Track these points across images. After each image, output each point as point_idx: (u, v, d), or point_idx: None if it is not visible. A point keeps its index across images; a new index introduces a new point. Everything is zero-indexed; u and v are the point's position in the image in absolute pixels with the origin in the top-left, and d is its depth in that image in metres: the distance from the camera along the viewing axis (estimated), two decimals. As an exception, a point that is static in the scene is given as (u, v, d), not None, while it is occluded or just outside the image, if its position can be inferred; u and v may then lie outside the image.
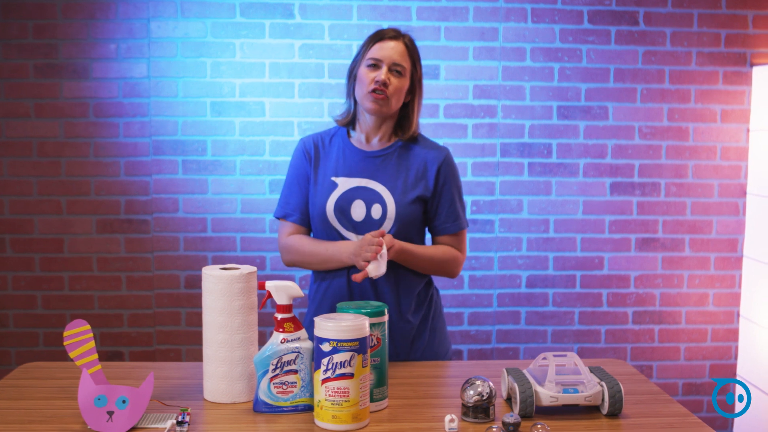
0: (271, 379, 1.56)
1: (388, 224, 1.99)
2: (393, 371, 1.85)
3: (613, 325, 3.39)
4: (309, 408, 1.58)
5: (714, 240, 3.38)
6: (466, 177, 3.29)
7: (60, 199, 3.23)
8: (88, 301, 3.27)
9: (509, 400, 1.64)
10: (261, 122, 3.24)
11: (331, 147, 2.09)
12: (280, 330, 1.57)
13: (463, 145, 3.29)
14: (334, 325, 1.46)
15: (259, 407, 1.57)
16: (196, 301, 3.27)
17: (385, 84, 1.97)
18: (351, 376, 1.47)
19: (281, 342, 1.56)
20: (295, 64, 3.23)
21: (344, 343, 1.46)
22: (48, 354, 3.27)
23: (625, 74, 3.32)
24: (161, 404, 1.60)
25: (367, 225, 1.99)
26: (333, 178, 2.04)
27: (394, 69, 1.99)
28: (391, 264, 1.95)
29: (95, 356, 1.50)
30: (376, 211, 2.00)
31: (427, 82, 3.14)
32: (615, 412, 1.56)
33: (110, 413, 1.47)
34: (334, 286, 2.03)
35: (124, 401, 1.47)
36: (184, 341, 3.30)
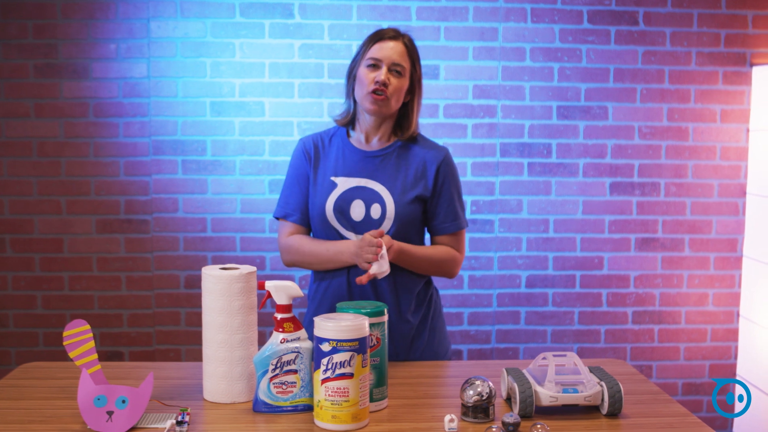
0: (271, 379, 1.56)
1: (387, 224, 1.99)
2: (393, 371, 1.85)
3: (612, 325, 3.39)
4: (309, 408, 1.58)
5: (714, 240, 3.38)
6: (466, 177, 3.29)
7: (60, 199, 3.23)
8: (88, 301, 3.27)
9: (509, 400, 1.64)
10: (261, 122, 3.24)
11: (331, 147, 2.09)
12: (280, 330, 1.57)
13: (463, 145, 3.29)
14: (333, 325, 1.46)
15: (259, 407, 1.57)
16: (195, 301, 3.27)
17: (384, 84, 1.97)
18: (351, 376, 1.47)
19: (281, 342, 1.56)
20: (294, 64, 3.23)
21: (344, 343, 1.46)
22: (48, 354, 3.27)
23: (624, 74, 3.31)
24: (161, 404, 1.60)
25: (367, 225, 1.99)
26: (332, 178, 2.03)
27: (394, 69, 1.99)
28: (390, 264, 1.95)
29: (95, 356, 1.50)
30: (376, 210, 1.99)
31: (426, 82, 3.15)
32: (615, 412, 1.56)
33: (110, 413, 1.47)
34: (333, 286, 2.03)
35: (123, 401, 1.47)
36: (183, 341, 3.30)
